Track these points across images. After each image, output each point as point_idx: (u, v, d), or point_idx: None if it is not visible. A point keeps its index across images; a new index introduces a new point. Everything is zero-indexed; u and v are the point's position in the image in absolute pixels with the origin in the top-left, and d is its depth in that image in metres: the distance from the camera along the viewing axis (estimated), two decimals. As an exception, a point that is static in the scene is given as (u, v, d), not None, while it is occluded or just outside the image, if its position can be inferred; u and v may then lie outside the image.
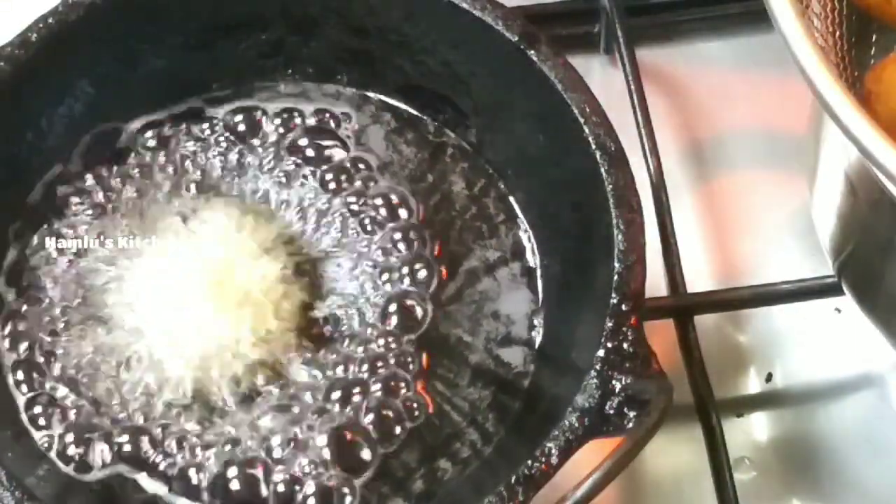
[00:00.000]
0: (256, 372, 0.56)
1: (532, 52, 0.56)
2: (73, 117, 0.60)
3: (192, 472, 0.54)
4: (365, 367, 0.56)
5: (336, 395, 0.55)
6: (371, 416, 0.55)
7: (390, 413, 0.55)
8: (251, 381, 0.55)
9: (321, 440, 0.54)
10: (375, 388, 0.55)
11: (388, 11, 0.60)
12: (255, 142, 0.61)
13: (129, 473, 0.54)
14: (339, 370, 0.56)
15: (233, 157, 0.61)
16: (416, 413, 0.55)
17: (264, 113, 0.62)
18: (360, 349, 0.56)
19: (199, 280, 0.55)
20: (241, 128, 0.62)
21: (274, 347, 0.56)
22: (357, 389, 0.55)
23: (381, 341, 0.57)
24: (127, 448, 0.54)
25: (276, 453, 0.54)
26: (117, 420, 0.55)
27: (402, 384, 0.56)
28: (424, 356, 0.57)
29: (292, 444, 0.54)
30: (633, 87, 0.69)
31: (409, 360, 0.56)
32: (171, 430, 0.55)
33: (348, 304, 0.58)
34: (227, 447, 0.54)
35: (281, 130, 0.62)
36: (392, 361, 0.56)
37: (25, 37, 0.57)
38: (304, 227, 0.59)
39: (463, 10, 0.57)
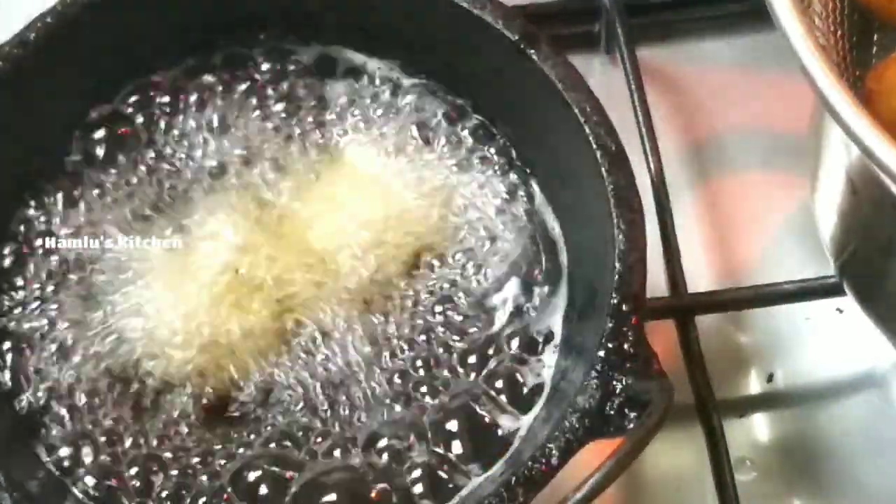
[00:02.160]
0: None
1: (532, 51, 0.56)
2: (72, 115, 0.60)
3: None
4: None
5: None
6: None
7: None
8: None
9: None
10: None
11: (388, 11, 0.60)
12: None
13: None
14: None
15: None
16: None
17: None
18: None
19: None
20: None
21: None
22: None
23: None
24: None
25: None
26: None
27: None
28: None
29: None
30: (633, 86, 0.69)
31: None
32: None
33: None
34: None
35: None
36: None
37: (24, 36, 0.56)
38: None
39: (463, 9, 0.57)
